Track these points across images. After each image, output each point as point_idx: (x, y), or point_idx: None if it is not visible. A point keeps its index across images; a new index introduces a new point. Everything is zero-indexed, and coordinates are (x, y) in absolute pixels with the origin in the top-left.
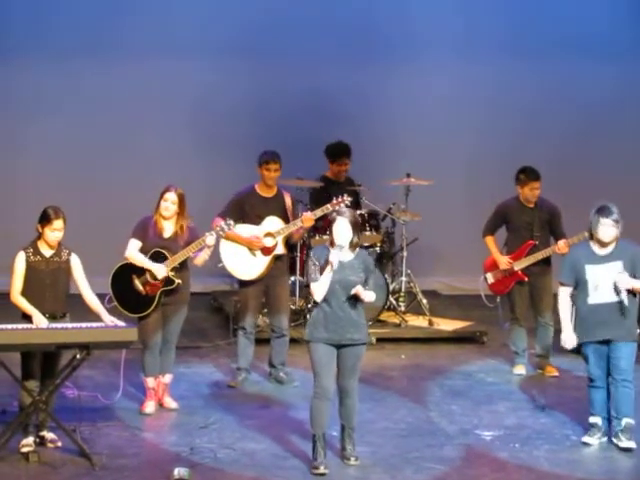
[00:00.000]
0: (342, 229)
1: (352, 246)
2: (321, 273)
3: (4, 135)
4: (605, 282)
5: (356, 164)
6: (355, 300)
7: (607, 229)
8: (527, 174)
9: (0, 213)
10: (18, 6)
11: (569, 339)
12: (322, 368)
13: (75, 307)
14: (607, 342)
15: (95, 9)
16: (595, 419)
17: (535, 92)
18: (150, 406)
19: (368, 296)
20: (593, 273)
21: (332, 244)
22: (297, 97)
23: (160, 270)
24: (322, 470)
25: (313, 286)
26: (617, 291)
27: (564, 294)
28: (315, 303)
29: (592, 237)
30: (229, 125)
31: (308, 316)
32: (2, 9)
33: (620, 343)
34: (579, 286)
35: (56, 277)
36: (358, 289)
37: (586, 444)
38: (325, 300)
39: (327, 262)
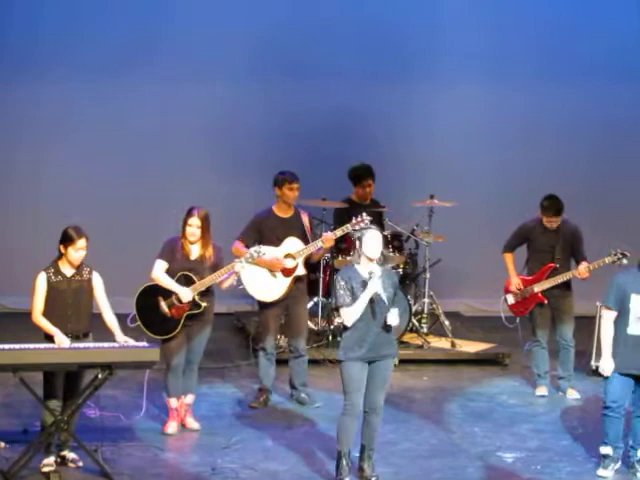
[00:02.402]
0: (374, 242)
1: (379, 261)
2: (351, 295)
3: (29, 155)
4: None
5: (379, 185)
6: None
7: None
8: (547, 208)
9: (23, 232)
10: (49, 23)
11: (607, 366)
12: (354, 386)
13: (99, 326)
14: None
15: (122, 31)
16: (607, 450)
17: (563, 114)
18: (172, 426)
19: (395, 316)
20: (638, 303)
21: (361, 258)
22: (320, 117)
23: (186, 294)
24: None
25: (346, 311)
26: None
27: (608, 319)
28: (345, 327)
29: None
30: (251, 145)
31: (330, 337)
32: (34, 26)
33: None
34: (621, 313)
35: (78, 296)
36: (391, 318)
37: (602, 477)
38: (360, 319)
39: (358, 277)
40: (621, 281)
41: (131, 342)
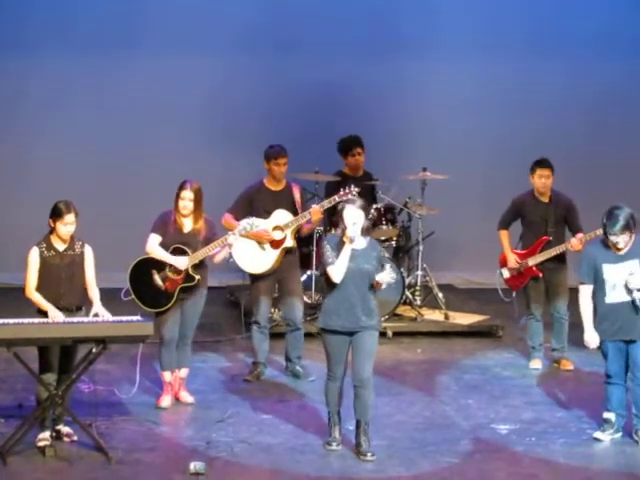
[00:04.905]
0: (353, 215)
1: (363, 232)
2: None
3: (21, 131)
4: (623, 281)
5: (372, 158)
6: (370, 288)
7: (616, 239)
8: (537, 162)
9: (16, 208)
10: (39, 2)
11: (592, 340)
12: (335, 356)
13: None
14: (626, 340)
15: (113, 7)
16: (609, 415)
17: (556, 87)
18: (166, 400)
19: (387, 277)
20: (611, 272)
21: (343, 233)
22: (312, 91)
23: (181, 261)
24: (334, 447)
25: (331, 268)
26: (629, 291)
27: (585, 293)
28: (331, 286)
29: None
30: (244, 120)
31: None
32: (24, 4)
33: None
34: (597, 285)
35: (72, 271)
36: (379, 279)
37: (598, 440)
38: (338, 288)
39: (342, 246)
40: (591, 254)
41: (106, 315)
